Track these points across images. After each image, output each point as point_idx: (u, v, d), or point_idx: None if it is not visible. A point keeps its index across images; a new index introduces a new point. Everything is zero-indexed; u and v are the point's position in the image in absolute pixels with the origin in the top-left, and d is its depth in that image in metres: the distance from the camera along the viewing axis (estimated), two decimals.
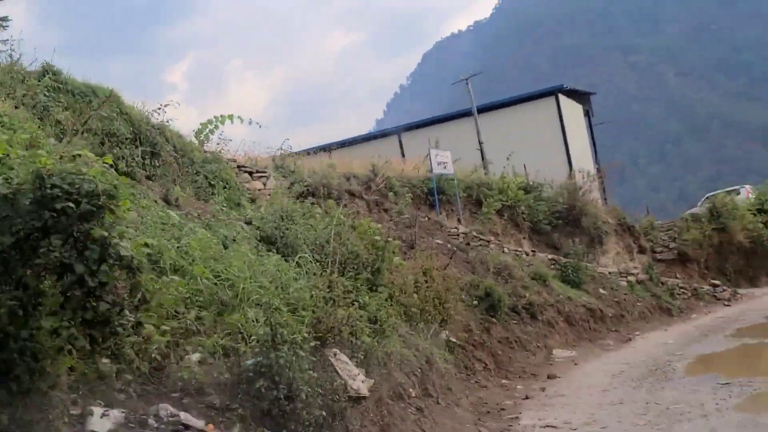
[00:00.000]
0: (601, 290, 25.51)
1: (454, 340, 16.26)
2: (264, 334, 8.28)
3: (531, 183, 30.48)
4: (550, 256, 26.12)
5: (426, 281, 16.60)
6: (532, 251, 26.06)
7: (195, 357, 8.32)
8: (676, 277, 32.05)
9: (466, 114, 38.48)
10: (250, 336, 8.56)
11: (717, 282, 31.77)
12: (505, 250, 24.26)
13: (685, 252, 34.65)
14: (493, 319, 19.00)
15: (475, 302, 18.86)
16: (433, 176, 25.17)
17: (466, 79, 37.26)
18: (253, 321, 8.79)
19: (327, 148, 34.35)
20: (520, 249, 25.59)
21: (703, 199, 40.82)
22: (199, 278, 9.25)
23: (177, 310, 8.75)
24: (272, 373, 7.95)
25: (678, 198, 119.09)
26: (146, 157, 15.21)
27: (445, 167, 25.13)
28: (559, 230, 29.97)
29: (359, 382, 9.51)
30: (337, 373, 9.27)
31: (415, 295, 15.41)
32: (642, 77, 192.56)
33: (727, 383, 13.83)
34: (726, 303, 29.92)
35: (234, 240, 11.36)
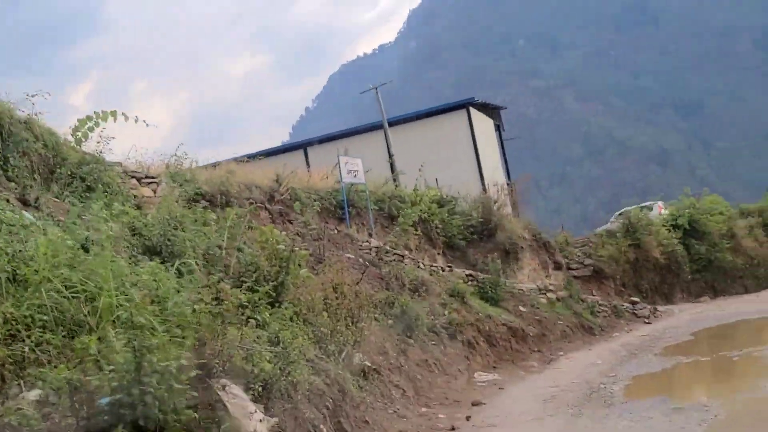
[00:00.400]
0: (521, 308, 23.86)
1: (369, 363, 14.28)
2: (125, 362, 6.10)
3: (445, 196, 28.75)
4: (467, 272, 24.33)
5: (337, 298, 14.60)
6: (448, 266, 24.24)
7: (32, 395, 6.10)
8: (593, 294, 30.75)
9: (376, 127, 36.81)
10: (109, 365, 6.34)
11: (636, 299, 30.59)
12: (421, 265, 22.36)
13: (601, 268, 33.47)
14: (411, 340, 17.08)
15: (391, 321, 16.94)
16: (342, 185, 23.07)
17: (375, 88, 35.59)
18: (113, 344, 6.56)
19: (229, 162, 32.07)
20: (435, 264, 23.75)
21: (615, 215, 39.89)
22: (43, 290, 7.00)
23: (11, 333, 6.52)
24: (135, 415, 5.79)
25: (580, 219, 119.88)
26: (8, 153, 12.83)
27: (355, 176, 23.06)
28: (474, 245, 28.29)
29: (257, 422, 7.35)
30: (227, 410, 7.07)
31: (325, 314, 13.39)
32: (543, 101, 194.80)
33: (679, 408, 12.17)
34: (646, 320, 28.68)
35: (101, 245, 9.03)
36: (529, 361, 20.77)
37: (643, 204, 39.40)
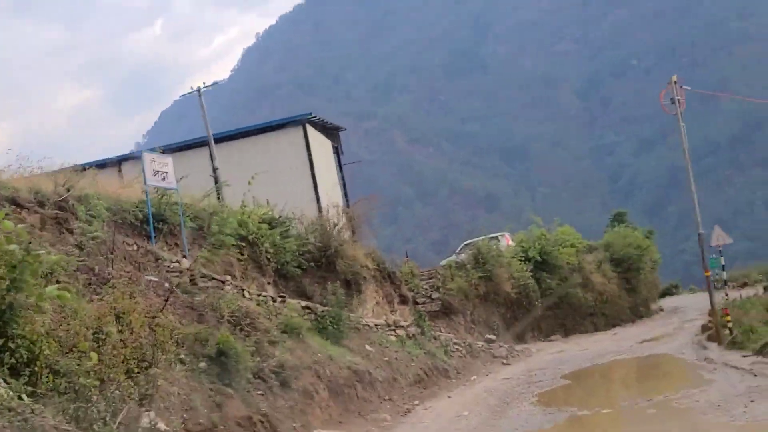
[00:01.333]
0: (367, 346, 19.57)
1: (165, 427, 9.61)
2: None
3: (278, 217, 24.13)
4: (304, 304, 19.80)
5: (120, 331, 9.88)
6: (280, 297, 19.58)
7: None
8: (441, 331, 26.87)
9: (203, 143, 31.95)
10: None
11: (492, 337, 26.98)
12: (246, 294, 17.64)
13: (451, 303, 29.67)
14: (229, 389, 12.49)
15: (203, 364, 12.30)
16: (146, 188, 17.92)
17: (198, 90, 30.80)
18: None
19: None
20: (264, 294, 19.06)
21: (461, 246, 36.41)
22: None
23: None
24: None
25: (411, 258, 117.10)
26: None
27: (164, 178, 17.90)
28: (310, 275, 23.73)
29: None
30: None
31: (94, 355, 8.61)
32: (375, 143, 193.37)
33: None
34: (504, 361, 25.04)
35: None
36: (380, 413, 16.41)
37: (491, 235, 36.07)
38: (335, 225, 25.26)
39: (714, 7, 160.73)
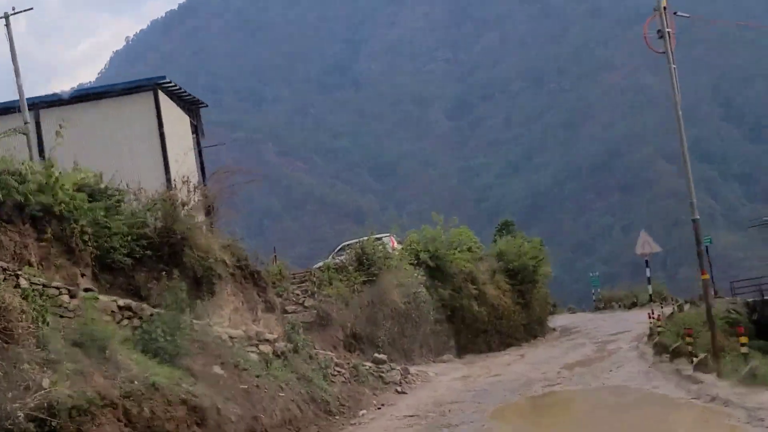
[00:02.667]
0: (217, 368, 13.07)
1: None
2: None
3: (104, 186, 17.36)
4: (122, 302, 13.19)
5: None
6: (87, 289, 12.86)
7: None
8: (315, 348, 20.59)
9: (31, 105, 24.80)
10: None
11: (382, 356, 20.77)
12: (23, 281, 10.88)
13: (328, 312, 23.34)
14: None
15: None
16: None
17: (6, 16, 23.52)
18: None
19: None
20: (56, 285, 12.33)
21: (339, 248, 30.07)
22: None
23: None
24: None
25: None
26: None
27: None
28: (147, 267, 17.05)
29: None
30: None
31: None
32: (244, 153, 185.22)
33: None
34: (399, 389, 18.94)
35: None
36: None
37: (376, 236, 29.80)
38: (185, 204, 18.63)
39: (580, 35, 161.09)
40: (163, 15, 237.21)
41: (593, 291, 52.74)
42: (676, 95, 18.12)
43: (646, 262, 29.47)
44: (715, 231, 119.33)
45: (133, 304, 13.25)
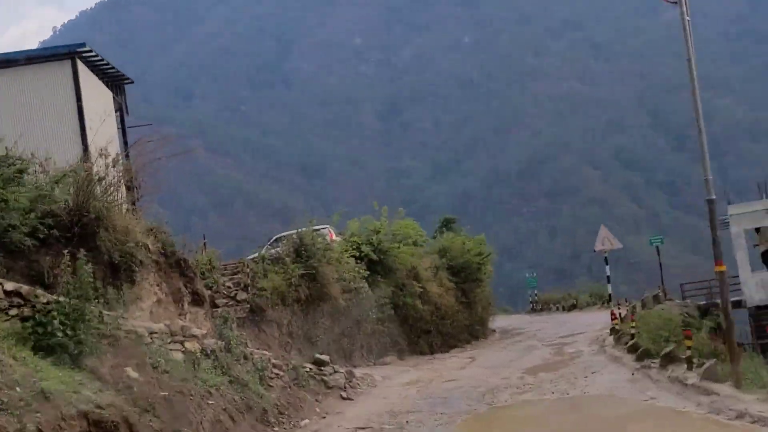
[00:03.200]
0: (130, 371, 10.35)
1: None
2: None
3: (3, 154, 14.44)
4: (10, 286, 10.35)
5: None
6: None
7: None
8: (247, 346, 17.95)
9: None
10: None
11: (324, 357, 18.19)
12: None
13: (262, 307, 20.68)
14: None
15: None
16: None
17: None
18: None
19: None
20: None
21: (273, 239, 27.30)
22: None
23: None
24: None
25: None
26: None
27: None
28: (53, 249, 14.25)
29: None
30: None
31: None
32: (172, 149, 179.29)
33: None
34: (344, 395, 16.43)
35: None
36: None
37: (314, 228, 27.08)
38: (101, 179, 15.79)
39: (511, 43, 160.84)
40: (93, 6, 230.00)
41: (530, 292, 51.00)
42: (689, 49, 15.49)
43: (605, 259, 27.62)
44: (639, 237, 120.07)
45: (25, 288, 10.45)
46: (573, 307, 42.62)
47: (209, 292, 19.66)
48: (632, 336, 19.43)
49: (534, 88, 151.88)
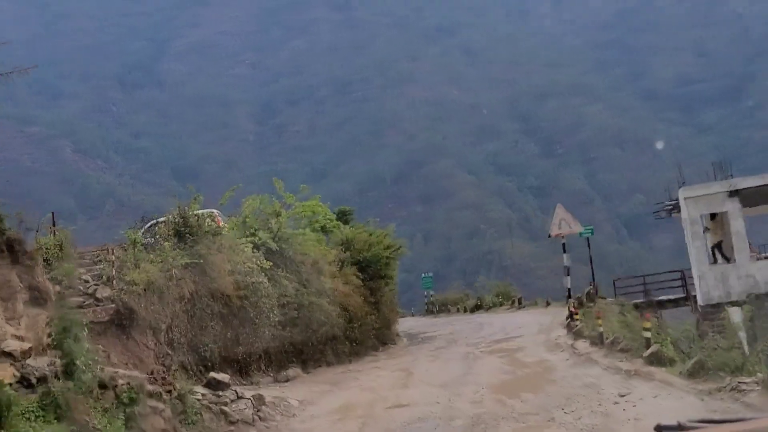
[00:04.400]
0: None
1: None
2: None
3: None
4: None
5: None
6: None
7: None
8: (110, 360, 12.16)
9: None
10: None
11: (222, 377, 12.56)
12: None
13: (133, 308, 14.78)
14: None
15: None
16: None
17: None
18: None
19: None
20: None
21: (147, 226, 21.11)
22: None
23: None
24: None
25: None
26: None
27: None
28: None
29: None
30: None
31: None
32: (38, 150, 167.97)
33: None
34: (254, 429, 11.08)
35: None
36: None
37: (199, 211, 21.10)
38: None
39: (385, 47, 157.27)
40: None
41: (425, 293, 46.35)
42: None
43: (563, 246, 22.88)
44: (510, 240, 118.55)
45: None
46: (477, 308, 38.23)
47: (58, 287, 13.75)
48: (618, 340, 14.93)
49: (409, 93, 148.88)
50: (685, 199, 26.29)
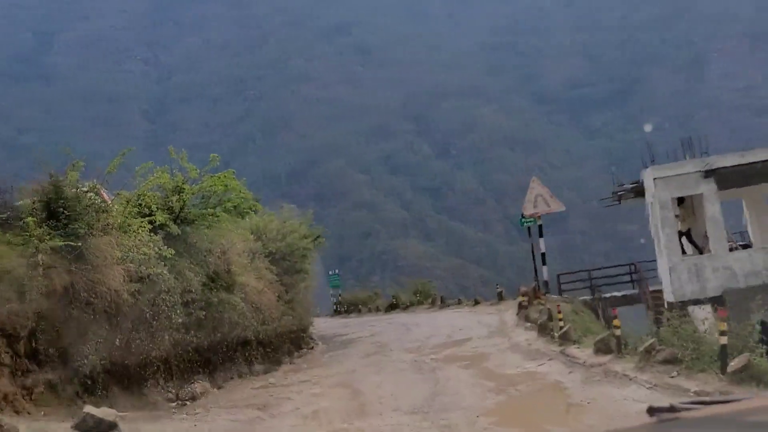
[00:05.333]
0: None
1: None
2: None
3: None
4: None
5: None
6: None
7: None
8: None
9: None
10: None
11: (105, 416, 8.27)
12: None
13: None
14: None
15: None
16: None
17: None
18: None
19: None
20: None
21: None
22: None
23: None
24: None
25: None
26: None
27: None
28: None
29: None
30: None
31: None
32: None
33: None
34: None
35: None
36: None
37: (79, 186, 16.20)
38: None
39: (279, 45, 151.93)
40: None
41: (332, 292, 42.21)
42: None
43: (540, 228, 18.88)
44: (405, 240, 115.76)
45: None
46: (393, 308, 34.42)
47: None
48: (650, 347, 11.11)
49: (303, 92, 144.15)
50: (655, 179, 22.43)
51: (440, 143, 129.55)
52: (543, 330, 15.70)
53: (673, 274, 22.57)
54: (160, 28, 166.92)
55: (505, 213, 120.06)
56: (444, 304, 31.13)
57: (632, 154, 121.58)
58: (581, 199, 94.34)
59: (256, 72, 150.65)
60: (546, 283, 20.15)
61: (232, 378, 16.56)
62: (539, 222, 18.61)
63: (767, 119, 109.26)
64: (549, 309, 16.74)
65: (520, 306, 19.46)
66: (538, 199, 17.78)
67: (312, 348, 23.38)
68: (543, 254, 19.14)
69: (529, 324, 17.81)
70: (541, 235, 18.53)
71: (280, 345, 20.56)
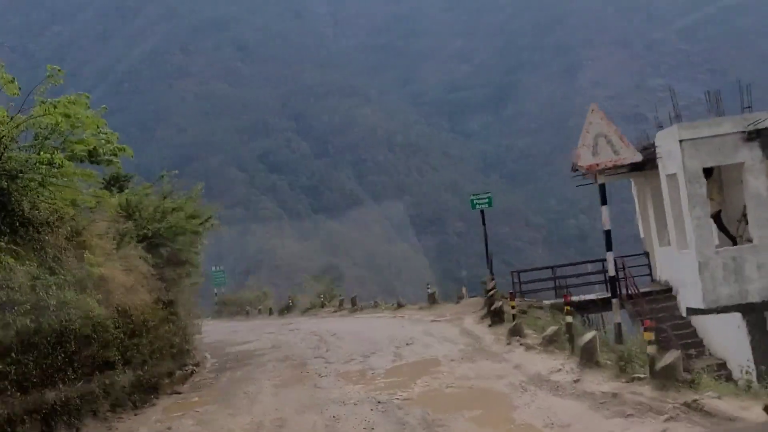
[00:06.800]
0: None
1: None
2: None
3: None
4: None
5: None
6: None
7: None
8: None
9: None
10: None
11: None
12: None
13: None
14: None
15: None
16: None
17: None
18: None
19: None
20: None
21: None
22: None
23: None
24: None
25: None
26: None
27: None
28: None
29: None
30: None
31: None
32: None
33: None
34: None
35: None
36: None
37: None
38: None
39: (156, 38, 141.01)
40: None
41: (216, 291, 35.39)
42: None
43: (602, 190, 11.50)
44: (282, 239, 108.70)
45: None
46: (288, 310, 27.97)
47: None
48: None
49: (180, 87, 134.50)
50: (682, 141, 16.13)
51: (318, 142, 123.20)
52: (582, 354, 9.12)
53: (705, 271, 16.33)
54: (28, 16, 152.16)
55: (383, 214, 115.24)
56: (356, 307, 24.91)
57: (508, 157, 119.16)
58: (458, 201, 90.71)
59: (131, 65, 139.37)
60: (613, 277, 13.18)
61: (90, 421, 9.81)
62: (600, 181, 11.24)
63: (637, 127, 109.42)
64: (570, 322, 10.56)
65: (494, 312, 13.58)
66: (600, 142, 10.43)
67: (198, 365, 16.65)
68: (607, 232, 11.49)
69: (521, 339, 11.82)
70: (604, 202, 11.28)
71: (158, 364, 13.78)
